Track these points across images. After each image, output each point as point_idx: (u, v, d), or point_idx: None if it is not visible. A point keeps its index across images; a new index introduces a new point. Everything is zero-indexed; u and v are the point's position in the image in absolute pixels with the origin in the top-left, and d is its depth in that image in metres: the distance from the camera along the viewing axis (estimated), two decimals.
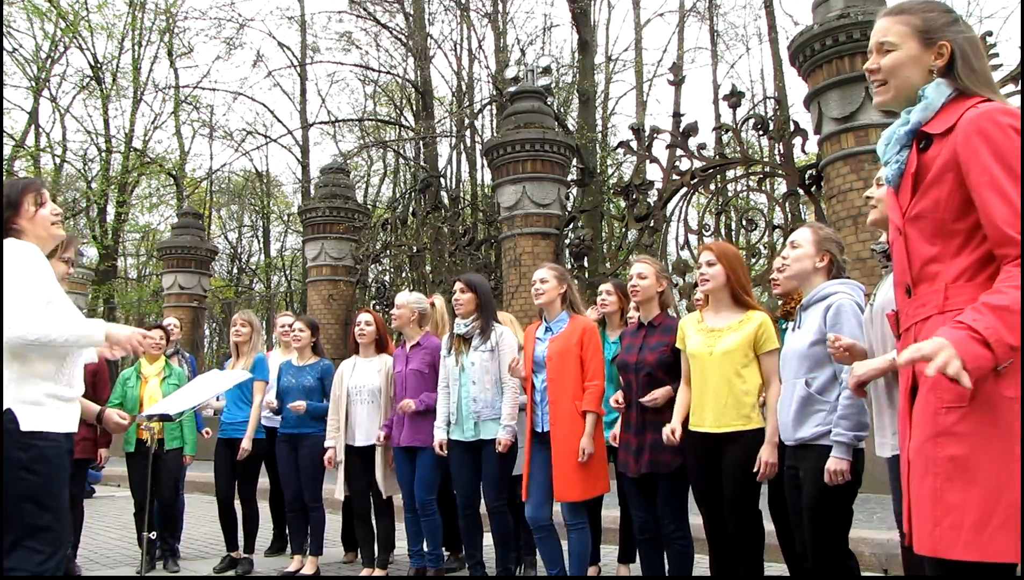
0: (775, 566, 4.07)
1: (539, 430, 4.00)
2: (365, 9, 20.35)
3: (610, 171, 18.97)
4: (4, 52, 17.96)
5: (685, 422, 3.50)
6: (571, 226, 10.50)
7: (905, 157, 1.77)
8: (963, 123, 1.66)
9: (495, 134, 14.99)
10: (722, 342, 3.40)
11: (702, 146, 9.00)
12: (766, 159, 10.88)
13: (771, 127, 8.68)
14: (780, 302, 3.71)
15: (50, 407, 2.48)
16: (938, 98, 1.74)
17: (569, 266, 10.02)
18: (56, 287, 2.59)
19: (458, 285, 4.49)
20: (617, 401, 3.88)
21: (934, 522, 1.57)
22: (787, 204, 8.74)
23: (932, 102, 1.74)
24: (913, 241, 1.74)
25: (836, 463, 2.77)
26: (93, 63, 20.16)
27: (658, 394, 3.64)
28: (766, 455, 3.20)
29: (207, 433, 5.63)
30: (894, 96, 1.83)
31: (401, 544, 4.99)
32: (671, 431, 3.47)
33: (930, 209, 1.70)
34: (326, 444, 4.90)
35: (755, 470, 3.21)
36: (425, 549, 4.62)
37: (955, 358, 1.46)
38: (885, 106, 1.88)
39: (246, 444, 5.16)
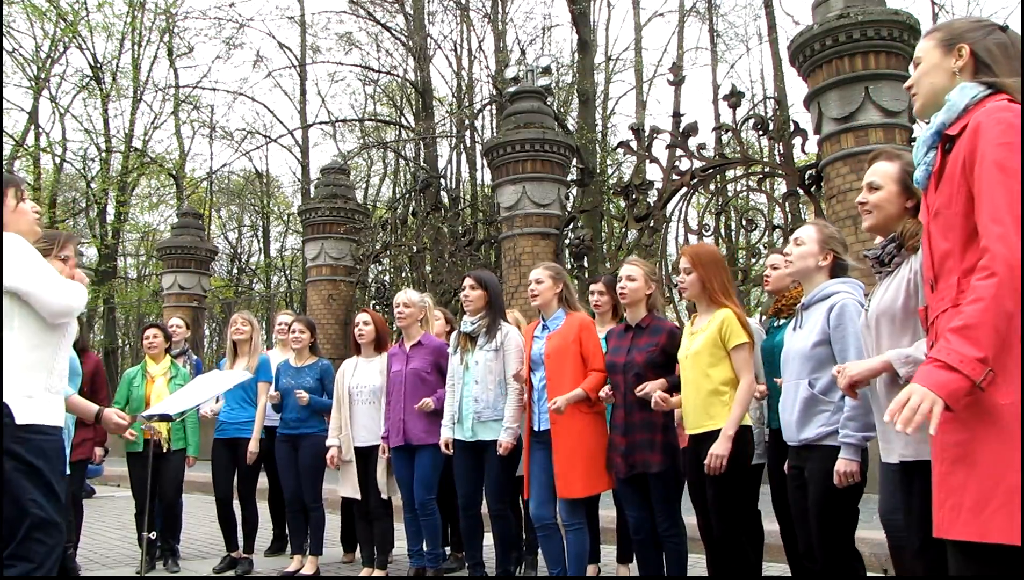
0: (776, 566, 4.07)
1: (537, 428, 4.00)
2: (365, 9, 20.36)
3: (610, 171, 18.98)
4: (4, 52, 17.96)
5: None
6: (571, 226, 10.50)
7: (931, 158, 1.82)
8: (972, 122, 1.70)
9: (495, 134, 14.98)
10: (695, 343, 3.45)
11: (702, 146, 9.00)
12: (766, 159, 10.87)
13: (771, 127, 8.68)
14: (773, 300, 3.71)
15: (43, 400, 2.47)
16: (961, 99, 1.77)
17: (569, 266, 10.01)
18: None
19: (468, 281, 4.42)
20: (608, 393, 3.86)
21: (939, 504, 1.65)
22: (787, 204, 8.74)
23: (955, 104, 1.78)
24: (934, 237, 1.79)
25: (846, 465, 2.75)
26: (93, 63, 20.16)
27: (650, 385, 3.62)
28: (716, 447, 3.24)
29: (211, 413, 5.50)
30: (922, 104, 1.92)
31: (401, 544, 4.99)
32: (662, 399, 3.50)
33: (944, 205, 1.75)
34: (328, 443, 4.88)
35: (704, 462, 3.25)
36: (425, 549, 4.62)
37: (927, 395, 1.58)
38: (920, 115, 1.97)
39: (253, 447, 5.16)
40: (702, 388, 3.39)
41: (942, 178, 1.76)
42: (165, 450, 5.08)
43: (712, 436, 3.31)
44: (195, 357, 6.75)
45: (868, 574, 4.19)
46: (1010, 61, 1.80)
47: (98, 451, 5.29)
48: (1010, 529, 1.52)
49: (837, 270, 3.07)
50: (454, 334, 4.57)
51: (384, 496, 4.77)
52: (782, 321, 3.58)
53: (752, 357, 3.41)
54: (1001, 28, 1.85)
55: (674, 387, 3.67)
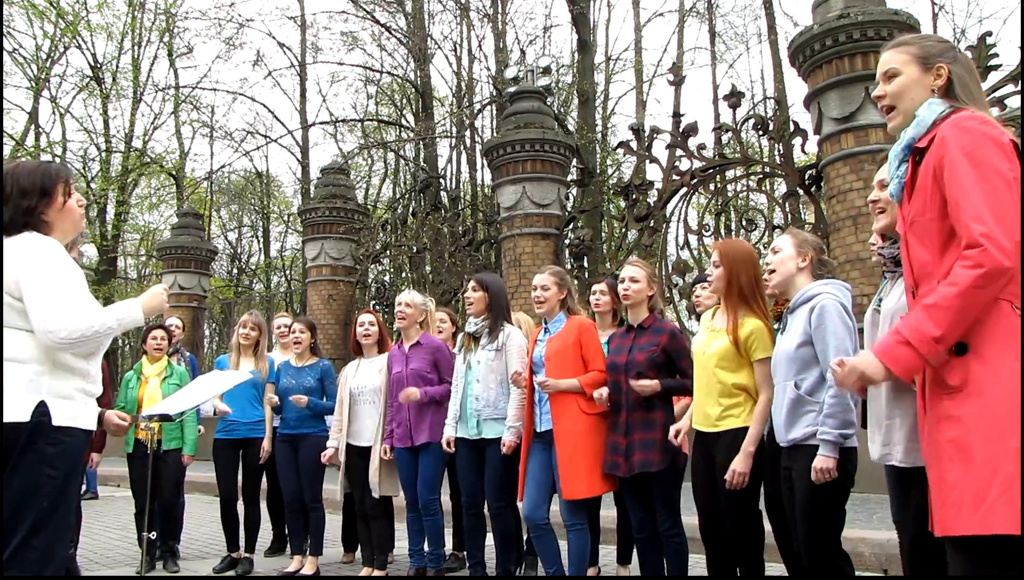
0: (775, 566, 4.07)
1: (538, 429, 4.01)
2: (365, 9, 20.36)
3: (610, 171, 18.97)
4: (4, 52, 17.97)
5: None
6: (571, 226, 10.50)
7: (903, 171, 1.91)
8: (939, 134, 1.80)
9: (495, 134, 14.98)
10: (715, 342, 3.42)
11: (702, 146, 9.01)
12: (766, 159, 10.87)
13: (771, 127, 8.67)
14: (773, 303, 3.71)
15: (79, 402, 2.41)
16: (929, 115, 1.88)
17: (569, 266, 10.02)
18: (83, 282, 2.48)
19: (470, 283, 4.48)
20: (600, 394, 3.85)
21: (939, 503, 1.67)
22: (787, 204, 8.74)
23: (923, 119, 1.88)
24: (911, 246, 1.86)
25: (823, 461, 2.78)
26: (93, 63, 20.17)
27: (647, 382, 3.63)
28: (737, 464, 3.20)
29: (201, 429, 5.59)
30: (903, 120, 1.98)
31: (401, 544, 4.99)
32: (675, 432, 3.56)
33: (919, 213, 1.82)
34: (328, 444, 4.90)
35: (725, 477, 3.22)
36: (426, 549, 4.62)
37: (872, 365, 1.72)
38: (896, 131, 2.02)
39: (267, 445, 5.25)
40: (717, 387, 3.36)
41: (915, 189, 1.85)
42: (154, 450, 5.06)
43: (722, 437, 3.30)
44: (188, 354, 6.75)
45: (868, 574, 4.21)
46: (974, 81, 1.94)
47: (95, 457, 5.29)
48: (1010, 518, 1.54)
49: (818, 273, 3.10)
50: (461, 334, 4.60)
51: (375, 495, 4.77)
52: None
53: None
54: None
55: (668, 391, 3.69)
